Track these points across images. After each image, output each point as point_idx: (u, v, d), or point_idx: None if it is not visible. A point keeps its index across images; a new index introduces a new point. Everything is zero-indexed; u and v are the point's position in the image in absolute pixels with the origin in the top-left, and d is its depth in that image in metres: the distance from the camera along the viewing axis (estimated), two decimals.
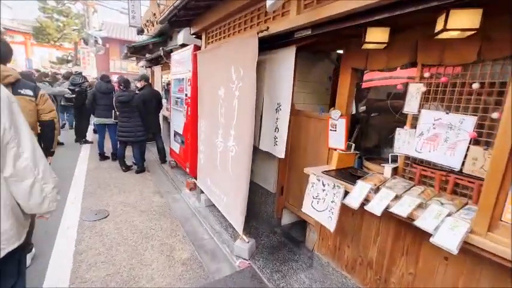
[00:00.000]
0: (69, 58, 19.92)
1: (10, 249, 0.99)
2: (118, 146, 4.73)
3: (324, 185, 1.83)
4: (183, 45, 4.36)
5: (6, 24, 20.58)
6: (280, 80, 2.26)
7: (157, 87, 6.58)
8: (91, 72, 15.33)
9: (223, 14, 2.58)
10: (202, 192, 3.47)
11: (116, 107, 4.56)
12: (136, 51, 6.97)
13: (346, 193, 1.67)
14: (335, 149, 2.07)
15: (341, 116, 1.99)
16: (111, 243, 2.55)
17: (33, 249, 2.27)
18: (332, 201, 1.76)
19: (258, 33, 1.98)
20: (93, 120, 5.71)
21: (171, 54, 4.62)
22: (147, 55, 6.75)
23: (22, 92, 1.94)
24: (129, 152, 4.80)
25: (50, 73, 7.87)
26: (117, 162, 4.88)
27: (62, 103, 6.50)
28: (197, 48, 3.57)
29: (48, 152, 2.24)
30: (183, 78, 4.09)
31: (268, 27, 1.93)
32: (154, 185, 4.21)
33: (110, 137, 5.20)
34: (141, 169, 4.70)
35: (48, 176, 1.05)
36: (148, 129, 4.77)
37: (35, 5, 18.61)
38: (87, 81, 6.55)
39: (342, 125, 1.99)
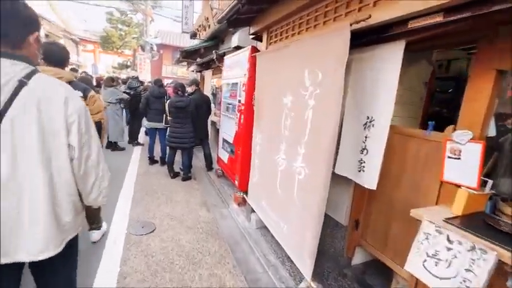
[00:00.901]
0: (128, 64, 21.81)
1: (70, 238, 1.11)
2: (168, 151, 4.62)
3: (450, 242, 1.24)
4: (238, 48, 4.08)
5: (81, 35, 23.48)
6: (374, 87, 1.73)
7: (207, 91, 6.47)
8: (146, 77, 16.42)
9: (293, 8, 2.15)
10: (253, 211, 3.07)
11: (169, 112, 4.45)
12: (188, 55, 7.02)
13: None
14: (457, 185, 1.45)
15: (472, 139, 1.38)
16: (157, 268, 2.28)
17: (104, 225, 2.67)
18: (468, 270, 1.16)
19: (351, 25, 1.49)
20: (145, 123, 5.80)
21: (224, 57, 4.38)
22: (198, 59, 6.72)
23: None
24: (176, 156, 4.67)
25: (114, 78, 8.37)
26: (165, 168, 4.79)
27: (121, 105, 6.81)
28: (255, 50, 3.21)
29: None
30: (236, 83, 3.77)
31: (370, 15, 1.42)
32: (201, 195, 3.96)
33: (159, 141, 5.19)
34: (187, 176, 4.53)
35: (105, 174, 1.16)
36: (197, 135, 4.60)
37: (104, 16, 20.79)
38: (142, 85, 6.77)
39: (473, 152, 1.37)
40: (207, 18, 6.61)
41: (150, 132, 5.17)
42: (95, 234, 2.57)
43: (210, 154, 4.98)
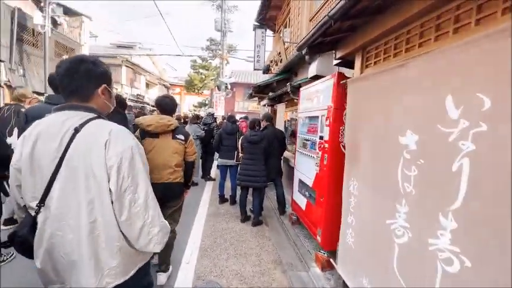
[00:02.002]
0: (206, 102, 24.35)
1: (115, 284, 1.04)
2: (240, 191, 4.28)
3: None
4: (316, 78, 3.61)
5: (171, 81, 27.97)
6: None
7: (280, 126, 6.13)
8: (220, 113, 17.77)
9: (412, 12, 1.54)
10: (345, 286, 2.25)
11: (242, 148, 4.21)
12: (260, 90, 7.01)
13: None
14: None
15: None
16: None
17: (170, 268, 2.56)
18: None
19: None
20: (217, 160, 5.76)
21: (300, 89, 3.97)
22: (270, 93, 6.58)
23: (178, 136, 2.35)
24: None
25: (199, 116, 9.08)
26: (235, 208, 4.46)
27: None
28: (343, 77, 2.66)
29: (186, 186, 2.56)
30: (316, 116, 3.24)
31: None
32: (274, 247, 3.35)
33: (230, 179, 4.96)
34: (258, 221, 4.03)
35: (156, 221, 1.09)
36: (269, 173, 4.16)
37: (189, 64, 24.29)
38: (216, 121, 6.98)
39: None
40: (279, 53, 6.55)
41: (221, 169, 5.03)
42: (162, 277, 2.42)
43: (283, 195, 4.41)
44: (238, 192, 4.44)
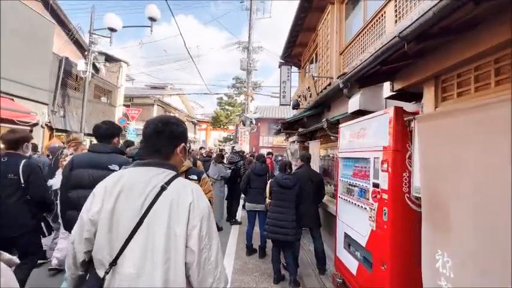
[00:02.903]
0: (231, 137, 24.66)
1: None
2: (272, 246, 3.67)
3: None
4: (360, 113, 3.16)
5: (198, 118, 29.18)
6: None
7: (314, 164, 5.56)
8: (245, 148, 17.66)
9: None
10: None
11: (271, 192, 3.70)
12: (288, 126, 6.67)
13: None
14: None
15: None
16: None
17: None
18: None
19: None
20: (245, 203, 5.23)
21: (339, 125, 3.51)
22: (300, 129, 6.18)
23: (190, 177, 2.35)
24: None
25: (223, 154, 8.81)
26: (265, 262, 3.80)
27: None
28: (402, 111, 2.18)
29: None
30: (365, 158, 2.70)
31: None
32: None
33: (259, 226, 4.37)
34: (295, 281, 3.32)
35: (222, 276, 1.07)
36: (300, 221, 3.54)
37: (215, 101, 25.30)
38: (243, 159, 6.61)
39: None
40: (308, 88, 6.29)
41: (249, 215, 4.48)
42: None
43: (323, 251, 3.70)
44: (269, 241, 3.83)
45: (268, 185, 3.78)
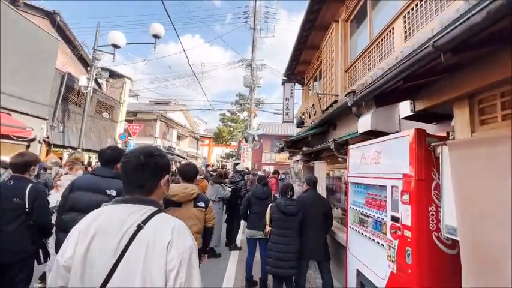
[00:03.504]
0: (233, 153, 24.38)
1: None
2: (273, 279, 3.27)
3: None
4: (371, 134, 2.88)
5: (201, 133, 29.12)
6: None
7: (320, 187, 5.20)
8: (247, 164, 17.31)
9: None
10: None
11: (272, 219, 3.35)
12: (292, 145, 6.38)
13: None
14: None
15: None
16: None
17: None
18: None
19: None
20: (244, 230, 4.84)
21: (349, 146, 3.22)
22: (304, 148, 5.89)
23: (199, 204, 2.44)
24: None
25: (227, 171, 8.48)
26: None
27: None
28: (424, 134, 1.89)
29: (204, 251, 2.54)
30: (381, 186, 2.38)
31: None
32: None
33: (260, 255, 3.97)
34: None
35: None
36: (305, 253, 3.16)
37: (218, 117, 25.33)
38: (244, 178, 6.28)
39: None
40: (313, 105, 6.06)
41: (249, 243, 4.09)
42: None
43: (332, 286, 3.28)
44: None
45: (268, 211, 3.43)
